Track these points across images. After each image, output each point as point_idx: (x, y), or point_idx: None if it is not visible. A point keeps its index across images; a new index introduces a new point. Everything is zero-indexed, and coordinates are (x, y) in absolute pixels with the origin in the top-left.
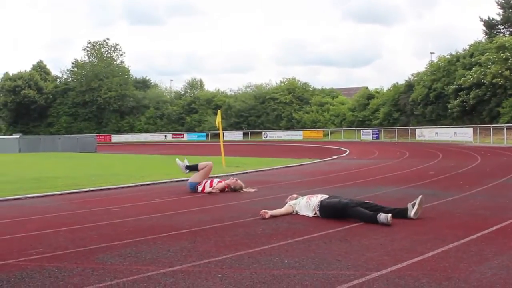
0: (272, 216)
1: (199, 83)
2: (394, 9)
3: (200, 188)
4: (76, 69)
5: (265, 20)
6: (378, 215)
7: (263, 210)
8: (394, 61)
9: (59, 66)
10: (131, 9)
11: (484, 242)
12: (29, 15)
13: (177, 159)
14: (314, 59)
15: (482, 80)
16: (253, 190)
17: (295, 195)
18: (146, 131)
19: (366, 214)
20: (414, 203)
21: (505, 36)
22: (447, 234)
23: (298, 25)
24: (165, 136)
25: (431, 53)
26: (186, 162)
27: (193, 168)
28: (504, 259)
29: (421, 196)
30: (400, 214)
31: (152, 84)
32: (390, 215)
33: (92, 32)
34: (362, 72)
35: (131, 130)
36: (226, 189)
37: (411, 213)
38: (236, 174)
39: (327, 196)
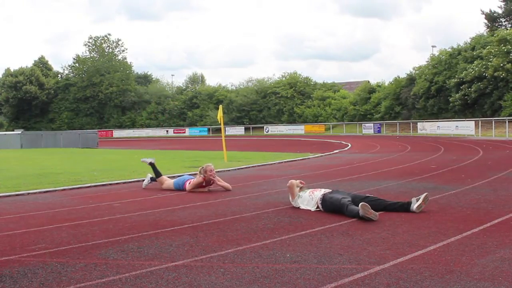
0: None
1: (200, 78)
2: (392, 3)
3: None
4: (77, 65)
5: (264, 15)
6: (357, 209)
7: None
8: (393, 54)
9: (60, 61)
10: (128, 4)
11: (486, 235)
12: (30, 10)
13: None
14: (314, 53)
15: (484, 74)
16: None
17: (299, 181)
18: (148, 126)
19: (355, 210)
20: (419, 198)
21: (507, 29)
22: (449, 227)
23: (297, 19)
24: (167, 131)
25: (433, 46)
26: (151, 159)
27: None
28: (506, 252)
29: (426, 193)
30: (403, 207)
31: (154, 79)
32: (362, 203)
33: (93, 27)
34: (361, 66)
35: (133, 125)
36: (204, 184)
37: (414, 206)
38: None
39: (330, 190)
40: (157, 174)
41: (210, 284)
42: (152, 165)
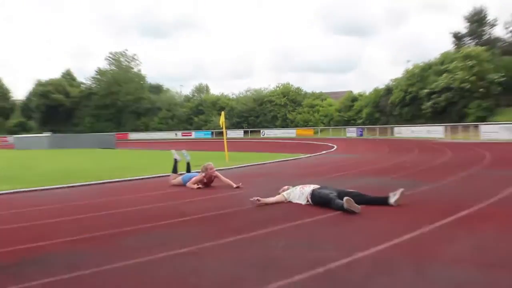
0: (265, 204)
1: (205, 87)
2: (372, 23)
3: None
4: (99, 76)
5: (261, 33)
6: (342, 202)
7: (256, 198)
8: (373, 68)
9: (83, 73)
10: (142, 24)
11: (455, 226)
12: (55, 27)
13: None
14: (304, 67)
15: (451, 85)
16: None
17: (286, 187)
18: (159, 130)
19: (340, 203)
20: (396, 193)
21: (470, 47)
22: (423, 219)
23: (289, 37)
24: (176, 134)
25: (408, 61)
26: (178, 157)
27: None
28: (472, 240)
29: (402, 189)
30: (382, 201)
31: (164, 88)
32: (346, 198)
33: (111, 44)
34: (345, 77)
35: (146, 129)
36: (205, 180)
37: (392, 200)
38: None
39: (319, 186)
40: (175, 170)
41: (214, 268)
42: (176, 162)
